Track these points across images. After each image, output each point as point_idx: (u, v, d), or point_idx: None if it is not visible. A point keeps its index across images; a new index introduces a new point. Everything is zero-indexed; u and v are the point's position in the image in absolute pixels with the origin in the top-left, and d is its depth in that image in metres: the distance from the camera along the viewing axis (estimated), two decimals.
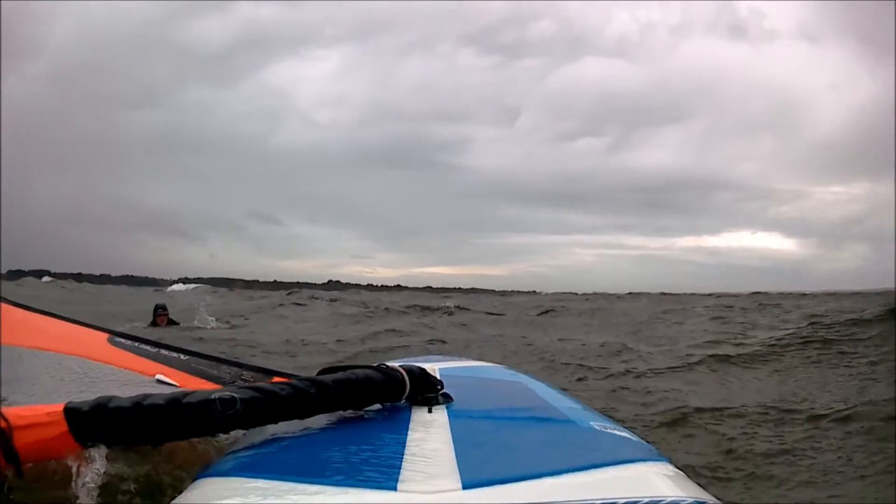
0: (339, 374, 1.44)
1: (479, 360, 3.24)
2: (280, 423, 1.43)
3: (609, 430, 1.42)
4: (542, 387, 2.12)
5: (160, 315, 9.70)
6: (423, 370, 1.54)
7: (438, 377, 1.58)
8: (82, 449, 1.12)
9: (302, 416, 1.38)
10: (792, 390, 5.11)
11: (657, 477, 1.10)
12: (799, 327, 7.47)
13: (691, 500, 0.96)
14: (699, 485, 1.13)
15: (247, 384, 1.33)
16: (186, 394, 1.23)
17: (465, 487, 0.95)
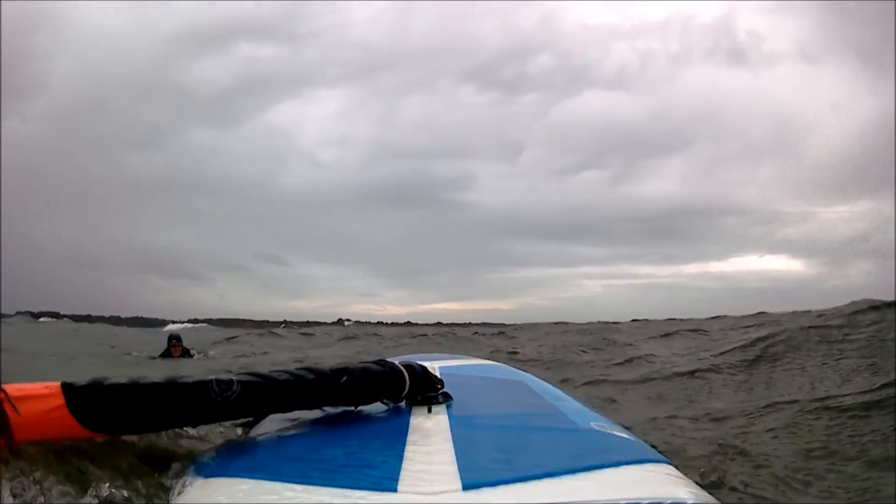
0: (338, 364, 1.43)
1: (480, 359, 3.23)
2: (280, 423, 1.43)
3: (609, 431, 1.42)
4: (543, 386, 2.11)
5: (174, 346, 9.77)
6: (423, 368, 1.53)
7: (439, 376, 1.58)
8: (81, 428, 1.12)
9: (302, 407, 1.38)
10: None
11: (657, 478, 1.09)
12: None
13: (692, 500, 0.96)
14: (699, 485, 1.13)
15: (245, 371, 1.32)
16: (183, 377, 1.22)
17: (464, 488, 0.94)
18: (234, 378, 1.22)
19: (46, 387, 1.12)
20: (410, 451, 1.12)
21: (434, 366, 1.94)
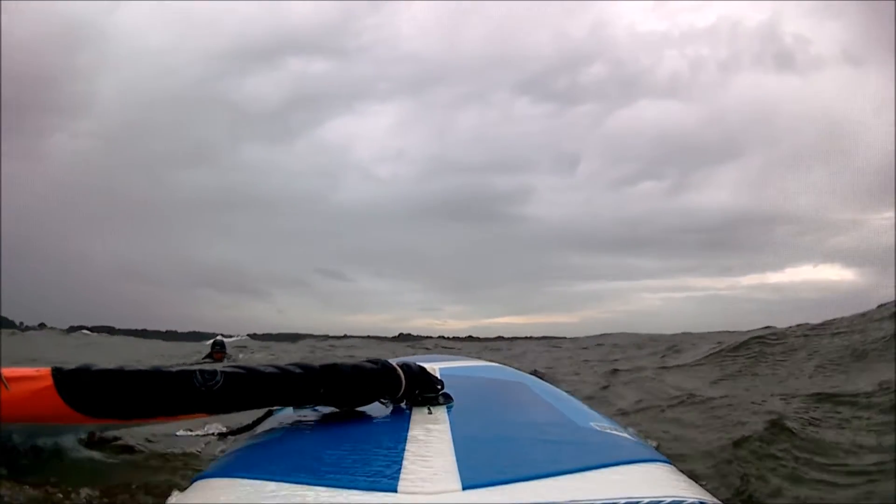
0: (330, 362, 1.42)
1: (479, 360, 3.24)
2: (280, 423, 1.43)
3: (609, 431, 1.42)
4: (543, 387, 2.11)
5: (217, 351, 10.33)
6: (422, 368, 1.53)
7: (439, 377, 1.58)
8: (68, 409, 1.15)
9: (289, 402, 1.38)
10: None
11: (657, 477, 1.09)
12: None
13: (692, 500, 0.95)
14: (700, 485, 1.13)
15: (231, 364, 1.33)
16: (169, 367, 1.25)
17: (465, 488, 0.94)
18: (218, 369, 1.24)
19: (38, 371, 1.18)
20: (411, 452, 1.12)
21: (434, 367, 1.94)
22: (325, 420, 1.43)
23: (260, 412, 1.71)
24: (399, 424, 1.34)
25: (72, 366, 1.19)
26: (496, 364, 2.88)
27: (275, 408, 1.66)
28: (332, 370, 1.37)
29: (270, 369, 1.31)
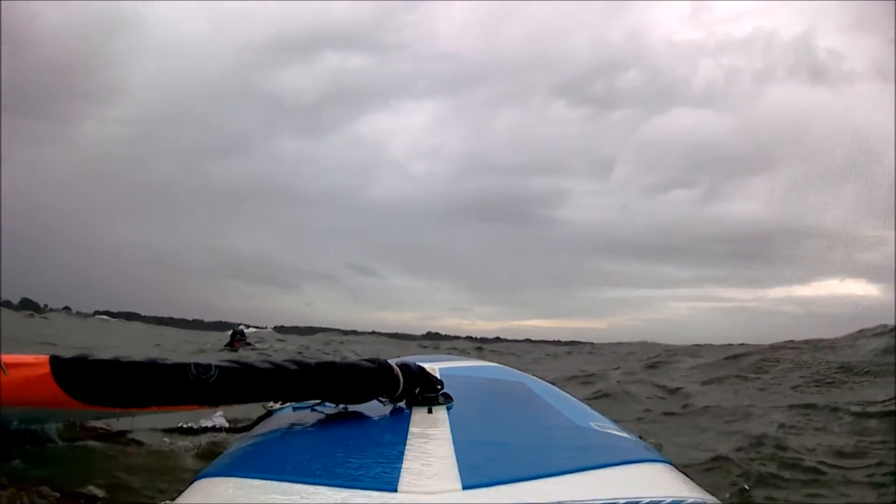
0: (326, 359, 1.43)
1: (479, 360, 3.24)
2: (280, 423, 1.43)
3: (609, 431, 1.42)
4: (543, 387, 2.11)
5: (238, 340, 10.59)
6: (421, 368, 1.53)
7: (439, 377, 1.58)
8: (63, 395, 1.19)
9: (284, 398, 1.38)
10: None
11: (657, 477, 1.09)
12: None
13: (692, 500, 0.96)
14: (700, 485, 1.13)
15: (225, 359, 1.35)
16: (164, 358, 1.27)
17: (465, 488, 0.94)
18: (212, 363, 1.25)
19: (36, 358, 1.23)
20: (411, 451, 1.12)
21: (434, 367, 1.94)
22: (325, 420, 1.43)
23: (260, 413, 1.71)
24: (399, 424, 1.34)
25: (69, 355, 1.22)
26: (496, 364, 2.88)
27: (275, 407, 1.66)
28: (329, 368, 1.37)
29: (265, 365, 1.32)
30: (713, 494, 1.08)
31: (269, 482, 0.99)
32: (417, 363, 1.57)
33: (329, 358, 1.45)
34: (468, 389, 1.75)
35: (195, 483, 1.08)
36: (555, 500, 0.90)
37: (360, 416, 1.44)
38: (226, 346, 10.67)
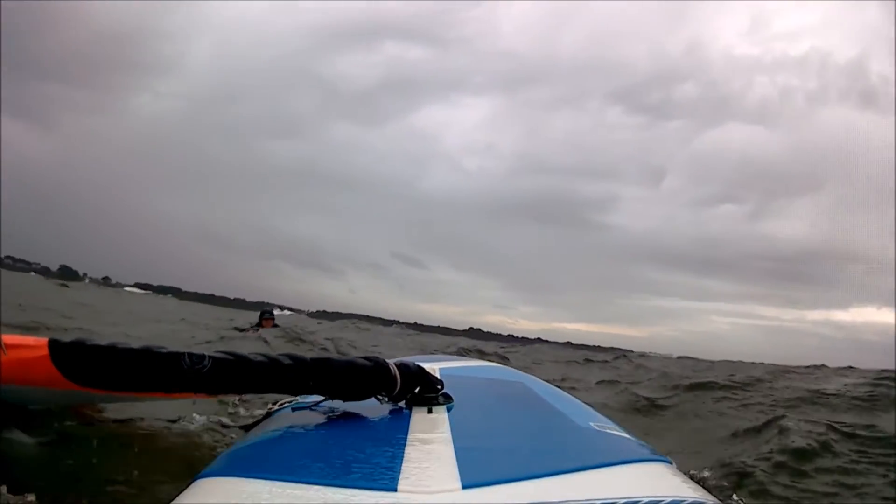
0: (321, 355, 1.46)
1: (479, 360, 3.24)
2: (280, 423, 1.44)
3: (609, 431, 1.42)
4: (543, 387, 2.12)
5: (266, 319, 10.47)
6: (419, 368, 1.53)
7: (438, 377, 1.58)
8: (60, 377, 1.26)
9: (277, 391, 1.41)
10: None
11: (657, 477, 1.10)
12: None
13: (691, 500, 0.96)
14: (700, 485, 1.13)
15: (221, 350, 1.38)
16: (160, 346, 1.30)
17: (465, 487, 0.95)
18: (206, 353, 1.28)
19: (36, 340, 1.30)
20: (411, 451, 1.12)
21: (434, 367, 1.94)
22: (325, 420, 1.43)
23: (260, 413, 1.71)
24: (399, 424, 1.34)
25: (67, 339, 1.28)
26: (496, 364, 2.89)
27: (275, 408, 1.67)
28: (324, 364, 1.40)
29: (260, 358, 1.35)
30: (713, 494, 1.09)
31: (269, 482, 0.99)
32: (417, 363, 1.58)
33: (326, 354, 1.46)
34: (468, 389, 1.75)
35: (195, 483, 1.08)
36: (555, 500, 0.90)
37: (360, 417, 1.44)
38: (254, 326, 10.31)
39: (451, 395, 1.54)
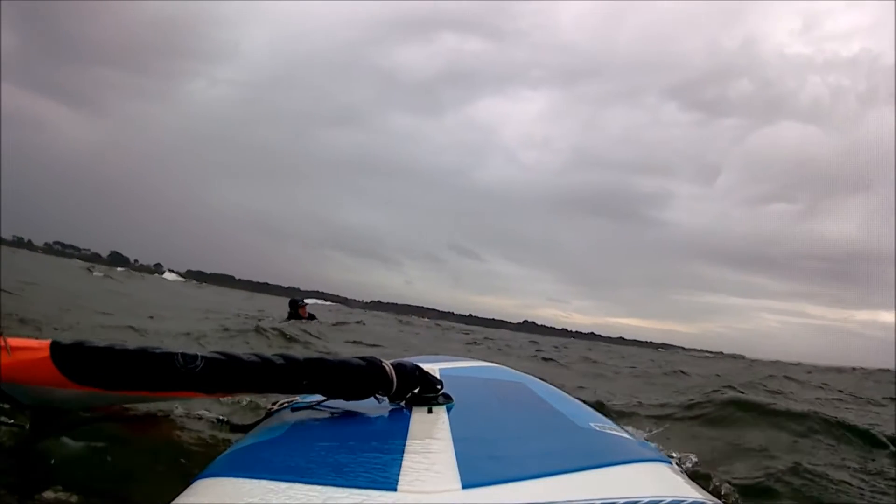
0: (315, 355, 1.49)
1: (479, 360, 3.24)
2: (279, 423, 1.44)
3: (609, 431, 1.42)
4: (542, 387, 2.12)
5: (301, 306, 10.30)
6: (415, 367, 1.54)
7: (438, 377, 1.58)
8: (59, 375, 1.33)
9: (270, 390, 1.45)
10: None
11: (657, 477, 1.10)
12: None
13: (691, 500, 0.96)
14: (699, 485, 1.13)
15: (215, 350, 1.43)
16: (156, 347, 1.37)
17: (464, 487, 0.95)
18: (199, 353, 1.33)
19: (39, 342, 1.36)
20: (410, 451, 1.12)
21: (434, 367, 1.94)
22: (325, 420, 1.43)
23: (260, 413, 1.71)
24: (399, 424, 1.34)
25: (68, 341, 1.35)
26: (496, 364, 2.88)
27: (274, 408, 1.67)
28: (317, 363, 1.43)
29: (252, 357, 1.39)
30: (713, 494, 1.09)
31: (269, 482, 0.99)
32: (416, 363, 1.58)
33: (316, 356, 1.49)
34: (468, 389, 1.75)
35: (195, 483, 1.08)
36: (555, 500, 0.90)
37: (360, 416, 1.44)
38: (288, 318, 10.01)
39: (451, 395, 1.54)
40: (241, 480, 1.03)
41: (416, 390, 1.52)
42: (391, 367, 1.47)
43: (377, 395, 1.49)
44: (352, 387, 1.45)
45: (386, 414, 1.46)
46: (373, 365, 1.47)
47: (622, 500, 0.90)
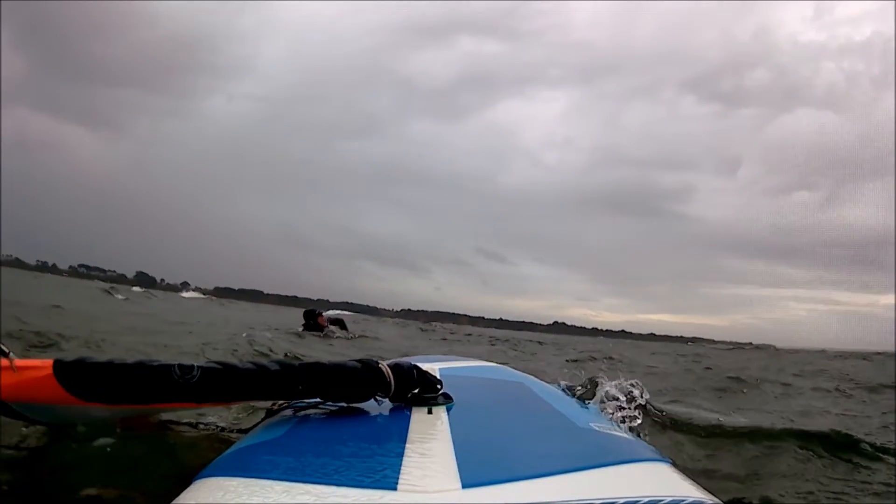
0: (310, 361, 1.49)
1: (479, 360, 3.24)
2: (280, 423, 1.44)
3: (608, 431, 1.43)
4: (542, 387, 2.12)
5: (319, 315, 10.01)
6: (414, 368, 1.54)
7: (438, 377, 1.58)
8: (63, 391, 1.36)
9: (267, 397, 1.47)
10: None
11: (657, 477, 1.10)
12: None
13: (691, 500, 0.96)
14: (699, 485, 1.13)
15: (212, 360, 1.46)
16: (153, 360, 1.39)
17: (464, 487, 0.95)
18: (195, 364, 1.35)
19: (43, 362, 1.40)
20: (410, 451, 1.12)
21: (434, 367, 1.94)
22: (325, 420, 1.43)
23: (260, 414, 1.71)
24: (399, 424, 1.34)
25: (70, 359, 1.38)
26: (496, 364, 2.89)
27: (275, 407, 1.67)
28: (312, 368, 1.44)
29: (248, 366, 1.41)
30: (713, 494, 1.09)
31: (269, 482, 1.00)
32: (415, 363, 1.58)
33: (312, 361, 1.52)
34: (468, 389, 1.75)
35: (195, 483, 1.08)
36: (555, 500, 0.90)
37: (360, 417, 1.44)
38: (308, 329, 9.66)
39: (451, 395, 1.54)
40: (241, 480, 1.04)
41: (415, 390, 1.52)
42: (388, 369, 1.48)
43: (377, 398, 1.49)
44: (349, 390, 1.47)
45: (386, 414, 1.46)
46: (369, 367, 1.48)
47: (622, 500, 0.90)
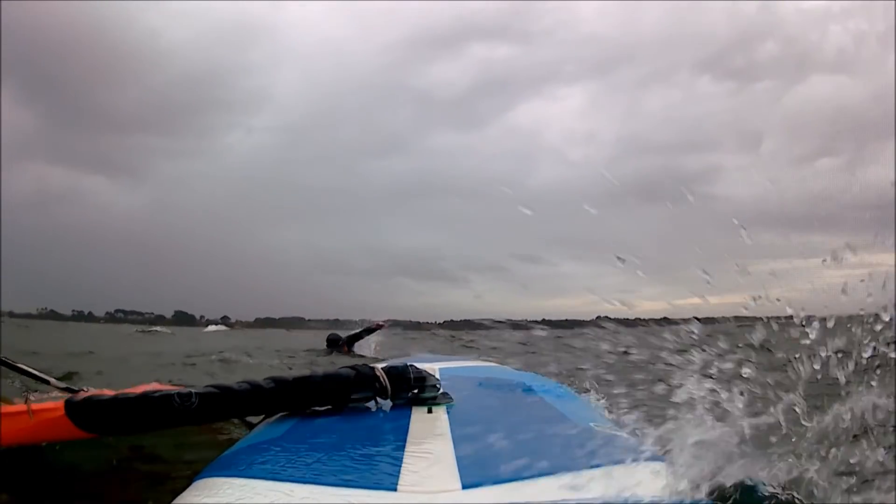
0: (302, 373, 1.59)
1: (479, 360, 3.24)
2: (280, 423, 1.44)
3: (608, 431, 1.42)
4: (542, 387, 2.11)
5: (343, 344, 9.75)
6: (409, 368, 1.55)
7: (438, 377, 1.58)
8: (74, 428, 1.49)
9: (262, 412, 1.58)
10: None
11: (657, 477, 1.09)
12: None
13: (690, 500, 0.96)
14: (698, 485, 1.13)
15: (209, 384, 1.56)
16: (156, 391, 1.51)
17: (464, 487, 0.95)
18: (192, 391, 1.48)
19: (55, 403, 1.55)
20: (410, 451, 1.12)
21: (434, 367, 1.94)
22: (325, 420, 1.43)
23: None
24: (399, 424, 1.34)
25: (79, 398, 1.54)
26: (496, 364, 2.88)
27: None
28: (304, 381, 1.53)
29: (243, 386, 1.52)
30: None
31: (269, 482, 1.00)
32: (415, 363, 1.58)
33: (305, 373, 1.62)
34: (468, 389, 1.75)
35: (195, 483, 1.08)
36: (554, 500, 0.90)
37: (360, 417, 1.44)
38: (334, 351, 9.45)
39: (451, 395, 1.54)
40: (241, 480, 1.04)
41: (415, 390, 1.52)
42: (382, 372, 1.50)
43: (376, 400, 1.50)
44: (342, 397, 1.51)
45: (386, 414, 1.46)
46: (361, 373, 1.52)
47: (622, 500, 0.90)
